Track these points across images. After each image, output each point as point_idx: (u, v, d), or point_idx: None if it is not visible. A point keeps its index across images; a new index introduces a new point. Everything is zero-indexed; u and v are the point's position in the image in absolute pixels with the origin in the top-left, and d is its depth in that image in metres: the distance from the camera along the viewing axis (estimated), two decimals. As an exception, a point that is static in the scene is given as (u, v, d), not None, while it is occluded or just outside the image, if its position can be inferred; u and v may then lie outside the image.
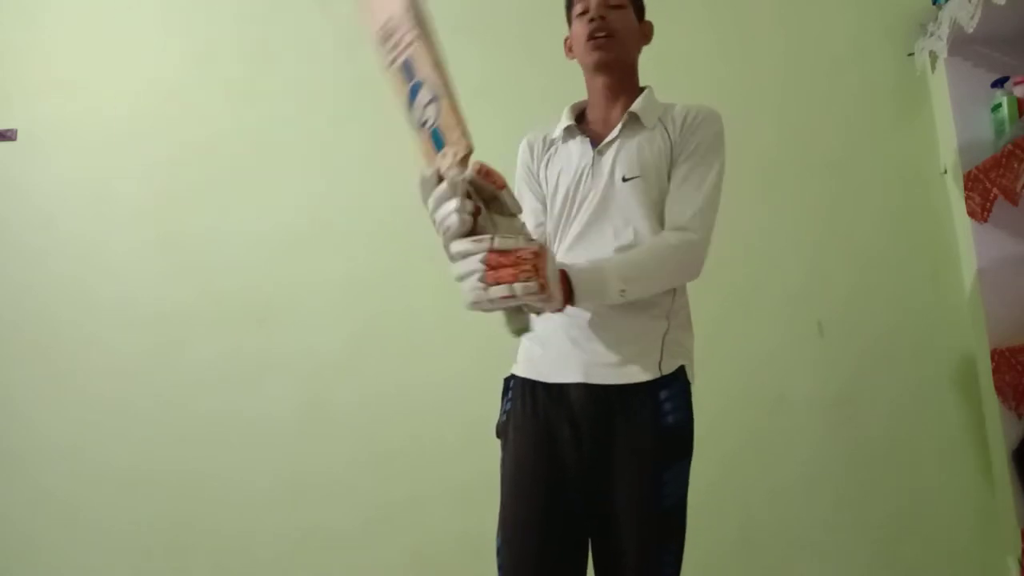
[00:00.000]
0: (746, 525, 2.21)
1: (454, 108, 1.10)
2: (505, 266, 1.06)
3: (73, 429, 2.42)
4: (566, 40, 1.54)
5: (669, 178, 1.40)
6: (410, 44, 1.13)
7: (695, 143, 1.40)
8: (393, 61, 1.15)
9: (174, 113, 2.58)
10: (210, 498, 2.35)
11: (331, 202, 2.49)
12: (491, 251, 1.07)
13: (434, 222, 1.12)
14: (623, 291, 1.24)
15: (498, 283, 1.06)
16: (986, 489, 2.15)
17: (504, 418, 1.42)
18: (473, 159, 1.10)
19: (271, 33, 2.61)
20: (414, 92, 1.13)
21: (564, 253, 1.41)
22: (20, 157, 2.60)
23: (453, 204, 1.08)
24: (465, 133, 1.10)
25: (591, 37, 1.44)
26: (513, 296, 1.05)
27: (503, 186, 1.10)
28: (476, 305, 1.08)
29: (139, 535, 2.35)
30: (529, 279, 1.05)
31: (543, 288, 1.06)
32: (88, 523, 2.37)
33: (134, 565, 2.35)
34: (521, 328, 1.16)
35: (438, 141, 1.12)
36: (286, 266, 2.47)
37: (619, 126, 1.43)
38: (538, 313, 1.17)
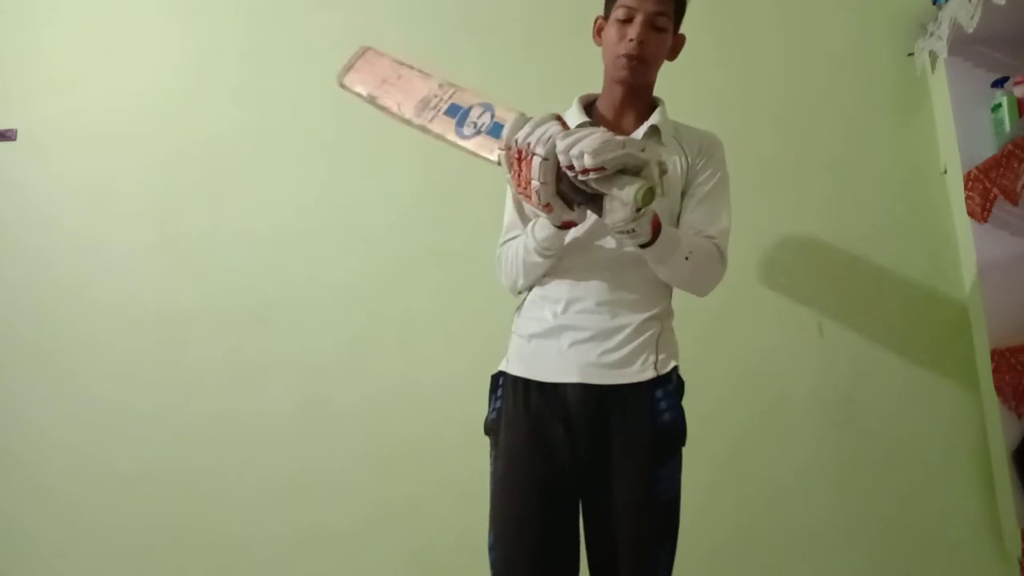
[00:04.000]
0: (744, 524, 2.21)
1: (507, 106, 1.31)
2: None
3: (73, 429, 2.42)
4: (597, 20, 1.50)
5: (682, 196, 1.45)
6: (452, 94, 1.38)
7: (710, 169, 1.45)
8: (435, 115, 1.37)
9: (174, 113, 2.58)
10: (210, 498, 2.35)
11: (331, 202, 2.49)
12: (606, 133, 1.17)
13: (519, 150, 1.21)
14: (688, 257, 1.32)
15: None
16: (986, 489, 2.15)
17: (494, 416, 1.42)
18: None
19: (271, 33, 2.61)
20: (464, 116, 1.35)
21: (565, 250, 1.41)
22: (20, 157, 2.60)
23: (549, 126, 1.21)
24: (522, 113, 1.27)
25: (624, 55, 1.41)
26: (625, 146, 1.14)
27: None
28: (604, 148, 1.13)
29: (139, 535, 2.35)
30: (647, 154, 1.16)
31: (655, 163, 1.18)
32: (88, 523, 2.37)
33: (134, 565, 2.35)
34: (650, 185, 1.18)
35: (497, 130, 1.30)
36: (286, 266, 2.47)
37: (640, 135, 1.44)
38: (651, 186, 1.18)
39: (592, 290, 1.38)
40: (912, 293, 2.28)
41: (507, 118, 1.28)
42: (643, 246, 1.28)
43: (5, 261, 2.55)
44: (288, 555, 2.31)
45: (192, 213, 2.53)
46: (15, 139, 2.61)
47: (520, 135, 1.21)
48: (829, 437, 2.23)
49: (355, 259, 2.45)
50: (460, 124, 1.34)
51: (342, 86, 1.55)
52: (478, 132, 1.32)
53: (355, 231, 2.47)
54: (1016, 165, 1.92)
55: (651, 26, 1.40)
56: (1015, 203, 2.00)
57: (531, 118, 1.24)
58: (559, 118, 1.23)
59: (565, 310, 1.39)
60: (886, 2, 2.40)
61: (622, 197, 1.15)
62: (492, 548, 1.36)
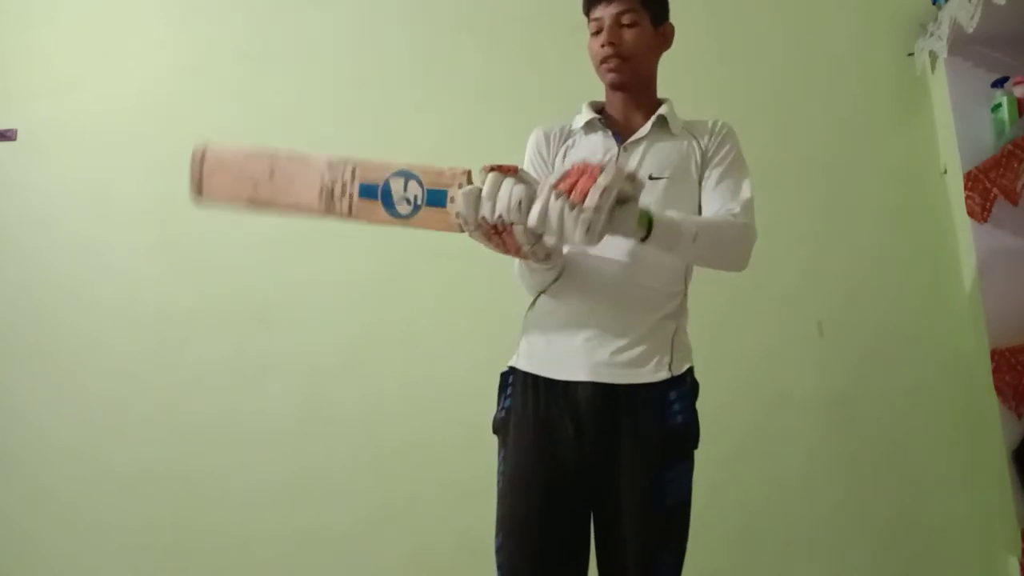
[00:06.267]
0: (746, 524, 2.21)
1: (427, 168, 1.18)
2: (575, 181, 1.09)
3: (73, 429, 2.42)
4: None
5: (699, 183, 1.43)
6: (353, 173, 1.21)
7: (725, 151, 1.43)
8: (351, 205, 1.21)
9: (174, 113, 2.58)
10: (210, 498, 2.35)
11: (331, 202, 2.49)
12: (556, 183, 1.10)
13: (493, 224, 1.14)
14: (696, 236, 1.25)
15: (585, 195, 1.07)
16: (986, 489, 2.15)
17: (503, 414, 1.42)
18: (473, 169, 1.17)
19: (271, 33, 2.61)
20: (388, 194, 1.20)
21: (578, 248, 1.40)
22: (20, 157, 2.60)
23: (507, 187, 1.12)
24: (450, 168, 1.16)
25: (603, 61, 1.44)
26: (607, 189, 1.07)
27: (517, 170, 1.16)
28: (590, 234, 1.08)
29: (139, 535, 2.35)
30: (604, 170, 1.08)
31: (621, 170, 1.10)
32: (88, 523, 2.37)
33: (134, 565, 2.35)
34: (646, 214, 1.15)
35: (438, 198, 1.17)
36: (286, 266, 2.47)
37: (648, 126, 1.44)
38: (635, 199, 1.15)
39: (606, 287, 1.37)
40: (912, 293, 2.28)
41: (443, 184, 1.16)
42: (643, 239, 1.25)
43: (5, 261, 2.55)
44: (288, 555, 2.31)
45: (192, 213, 2.50)
46: (15, 139, 2.61)
47: (484, 211, 1.13)
48: (830, 437, 2.23)
49: (355, 259, 2.45)
50: (389, 205, 1.20)
51: (204, 202, 1.38)
52: (417, 208, 1.19)
53: (355, 231, 2.45)
54: (1016, 165, 1.93)
55: (618, 26, 1.43)
56: (1015, 203, 2.00)
57: (478, 189, 1.14)
58: (499, 168, 1.15)
59: (578, 307, 1.38)
60: (886, 2, 2.40)
61: (623, 230, 1.15)
62: (499, 550, 1.35)
